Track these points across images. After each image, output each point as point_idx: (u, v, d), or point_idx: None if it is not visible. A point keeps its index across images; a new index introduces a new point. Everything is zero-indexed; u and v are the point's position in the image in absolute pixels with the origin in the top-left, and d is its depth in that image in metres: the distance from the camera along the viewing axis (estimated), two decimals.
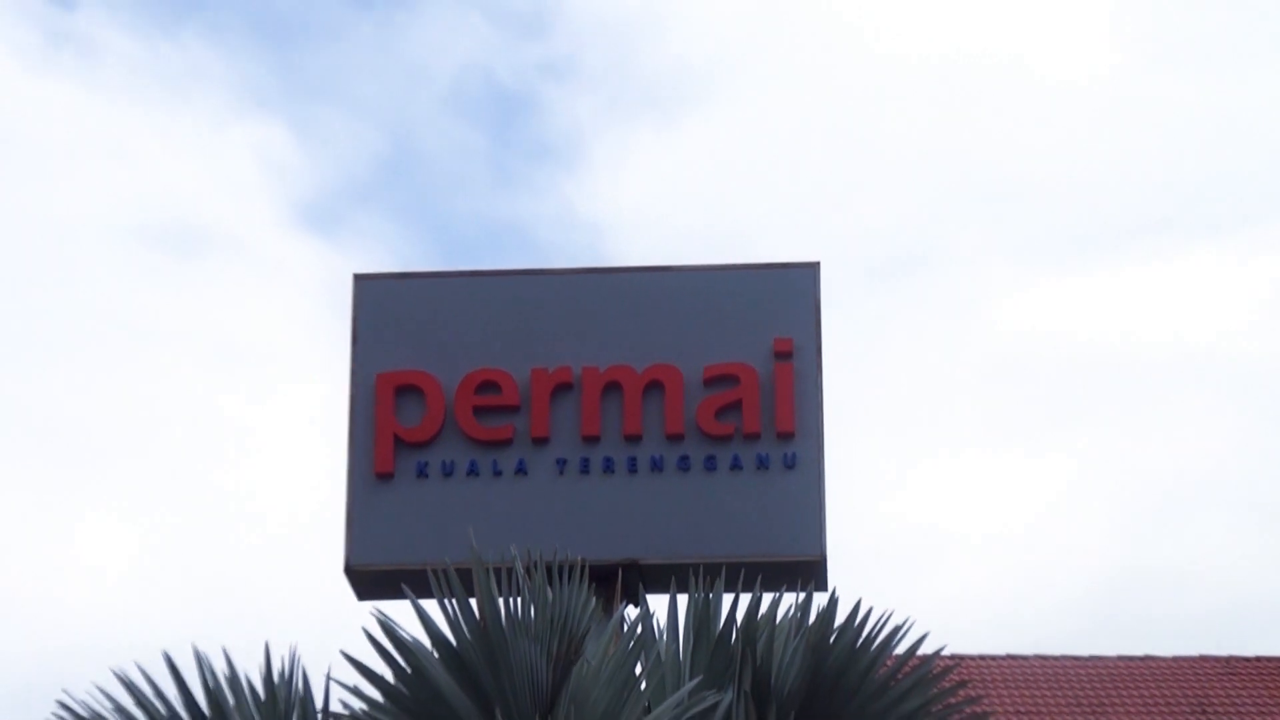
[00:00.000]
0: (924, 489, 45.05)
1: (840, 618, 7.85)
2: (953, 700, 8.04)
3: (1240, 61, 50.68)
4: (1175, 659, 25.93)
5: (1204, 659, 25.92)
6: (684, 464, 13.27)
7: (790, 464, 13.23)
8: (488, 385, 13.47)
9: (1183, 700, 25.05)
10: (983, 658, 23.30)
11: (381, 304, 13.83)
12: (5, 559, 44.64)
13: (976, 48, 51.10)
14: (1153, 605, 43.99)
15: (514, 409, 13.41)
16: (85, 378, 47.90)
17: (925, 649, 8.08)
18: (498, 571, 7.77)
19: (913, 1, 50.50)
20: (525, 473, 13.31)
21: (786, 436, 13.26)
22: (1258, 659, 25.91)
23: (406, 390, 13.49)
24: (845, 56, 51.42)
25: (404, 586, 8.42)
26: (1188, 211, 50.66)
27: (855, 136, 51.42)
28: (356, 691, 7.85)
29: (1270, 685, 25.50)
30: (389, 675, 7.77)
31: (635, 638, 8.23)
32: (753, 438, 13.27)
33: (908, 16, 50.64)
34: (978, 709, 8.13)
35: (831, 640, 7.79)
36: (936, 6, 50.40)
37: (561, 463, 13.31)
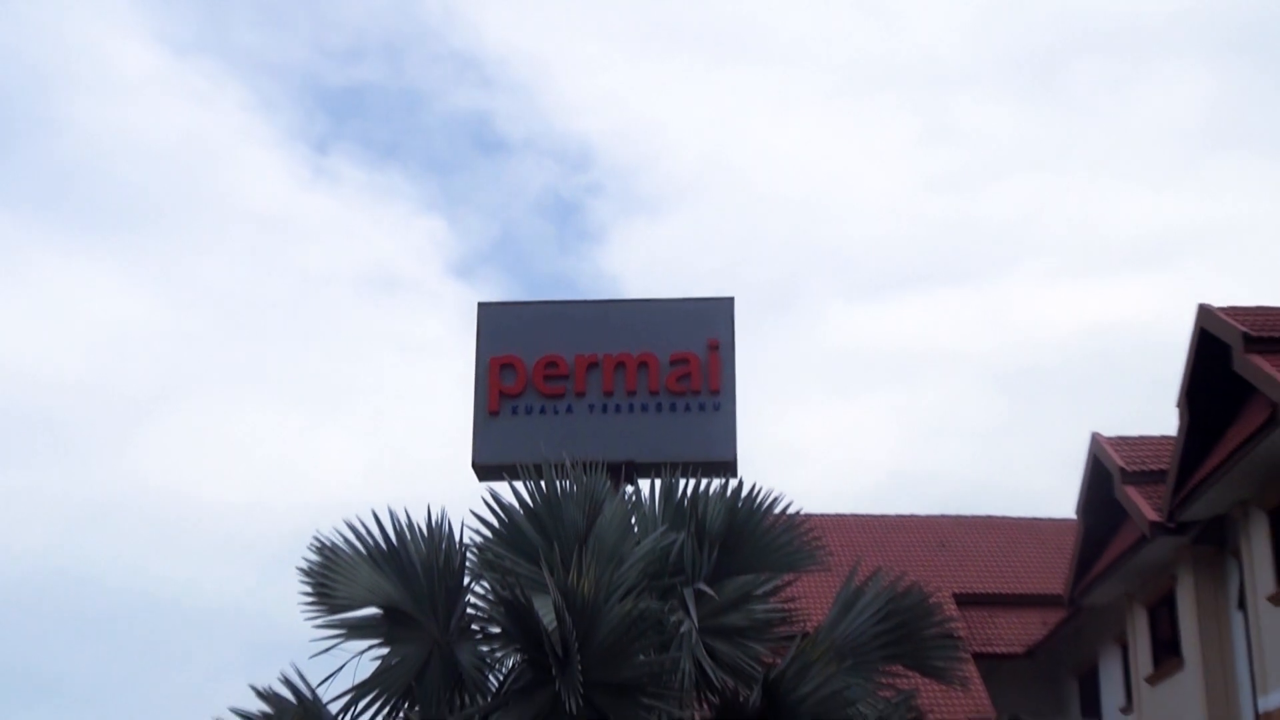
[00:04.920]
0: (794, 423, 45.72)
1: (744, 492, 7.78)
2: (805, 539, 7.96)
3: (989, 181, 51.05)
4: (927, 516, 25.98)
5: (943, 516, 25.97)
6: (659, 408, 13.24)
7: (717, 408, 13.21)
8: (551, 364, 13.43)
9: (931, 539, 25.08)
10: (823, 515, 23.30)
11: (493, 318, 13.77)
12: (288, 456, 45.07)
13: (822, 172, 51.45)
14: (917, 486, 44.51)
15: (565, 377, 13.38)
16: (324, 359, 48.23)
17: (791, 510, 8.00)
18: (556, 466, 7.69)
19: (780, 151, 50.79)
20: (571, 412, 13.28)
21: (715, 393, 13.24)
22: (973, 516, 25.97)
23: (506, 366, 13.44)
24: (752, 184, 51.91)
25: (504, 474, 8.33)
26: (949, 268, 51.68)
27: (754, 227, 52.17)
28: (478, 533, 7.79)
29: (985, 533, 25.56)
30: (496, 523, 7.70)
31: (631, 503, 8.16)
32: (696, 393, 13.26)
33: (778, 156, 50.93)
34: (819, 545, 8.05)
35: (739, 505, 7.72)
36: (796, 151, 50.66)
37: (592, 407, 13.29)
